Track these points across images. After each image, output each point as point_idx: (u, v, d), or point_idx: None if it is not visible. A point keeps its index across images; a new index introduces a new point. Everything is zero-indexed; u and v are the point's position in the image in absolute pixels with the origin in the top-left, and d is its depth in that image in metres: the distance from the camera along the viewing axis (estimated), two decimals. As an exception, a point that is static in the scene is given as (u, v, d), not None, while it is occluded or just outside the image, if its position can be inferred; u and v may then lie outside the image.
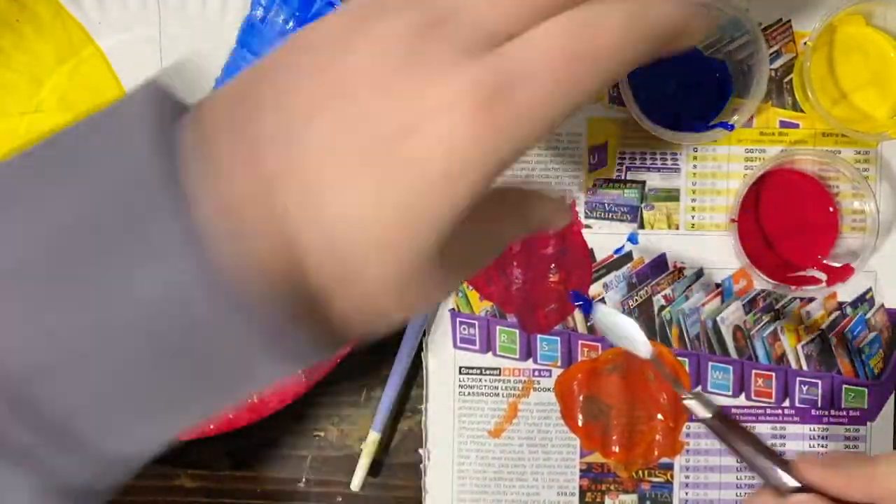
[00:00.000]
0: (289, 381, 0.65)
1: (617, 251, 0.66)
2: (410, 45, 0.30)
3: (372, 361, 0.67)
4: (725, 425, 0.53)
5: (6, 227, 0.29)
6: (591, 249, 0.66)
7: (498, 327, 0.66)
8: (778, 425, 0.66)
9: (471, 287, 0.66)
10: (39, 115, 0.66)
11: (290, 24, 0.66)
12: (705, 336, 0.66)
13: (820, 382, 0.66)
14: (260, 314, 0.29)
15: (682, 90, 0.66)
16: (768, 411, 0.66)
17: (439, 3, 0.31)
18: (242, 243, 0.29)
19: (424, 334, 0.66)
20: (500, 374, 0.66)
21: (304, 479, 0.67)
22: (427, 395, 0.66)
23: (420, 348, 0.66)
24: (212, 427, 0.64)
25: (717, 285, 0.66)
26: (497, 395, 0.66)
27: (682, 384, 0.62)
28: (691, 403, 0.54)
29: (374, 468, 0.67)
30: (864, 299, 0.66)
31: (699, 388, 0.66)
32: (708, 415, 0.53)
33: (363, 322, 0.33)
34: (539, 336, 0.66)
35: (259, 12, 0.66)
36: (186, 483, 0.67)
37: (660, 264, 0.66)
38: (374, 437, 0.64)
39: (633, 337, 0.55)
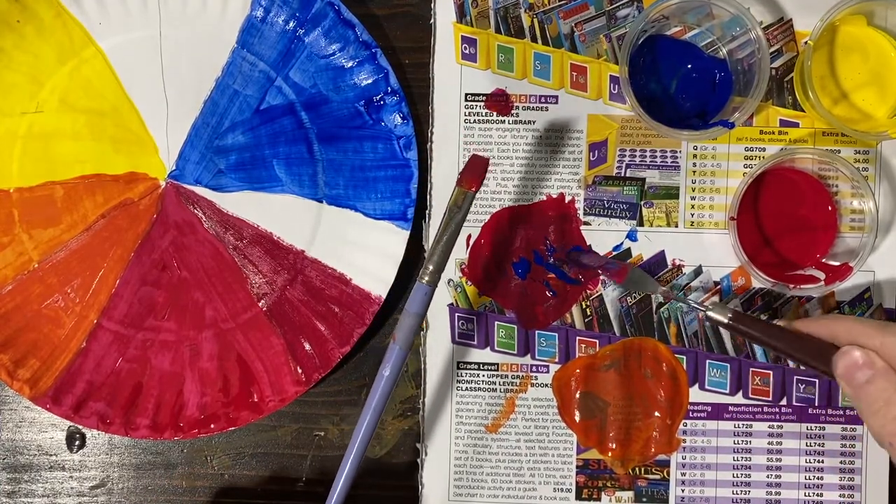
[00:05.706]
0: (289, 380, 0.65)
1: (616, 248, 0.67)
2: None
3: (372, 362, 0.67)
4: (745, 323, 0.60)
5: None
6: (590, 246, 0.66)
7: (496, 323, 0.67)
8: (775, 423, 0.66)
9: (469, 283, 0.66)
10: (40, 115, 0.66)
11: (291, 24, 0.66)
12: (703, 333, 0.66)
13: (817, 381, 0.66)
14: None
15: (682, 88, 0.66)
16: (765, 409, 0.66)
17: None
18: None
19: (423, 329, 0.66)
20: (497, 370, 0.67)
21: (304, 479, 0.67)
22: (425, 389, 0.66)
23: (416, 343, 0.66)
24: (212, 427, 0.65)
25: (716, 283, 0.66)
26: (495, 390, 0.67)
27: (683, 295, 0.65)
28: (711, 314, 0.60)
29: (375, 466, 0.67)
30: (862, 299, 0.66)
31: (696, 382, 0.66)
32: (726, 319, 0.60)
33: None
34: (537, 332, 0.67)
35: (259, 12, 0.65)
36: (186, 483, 0.68)
37: (658, 262, 0.66)
38: None
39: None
